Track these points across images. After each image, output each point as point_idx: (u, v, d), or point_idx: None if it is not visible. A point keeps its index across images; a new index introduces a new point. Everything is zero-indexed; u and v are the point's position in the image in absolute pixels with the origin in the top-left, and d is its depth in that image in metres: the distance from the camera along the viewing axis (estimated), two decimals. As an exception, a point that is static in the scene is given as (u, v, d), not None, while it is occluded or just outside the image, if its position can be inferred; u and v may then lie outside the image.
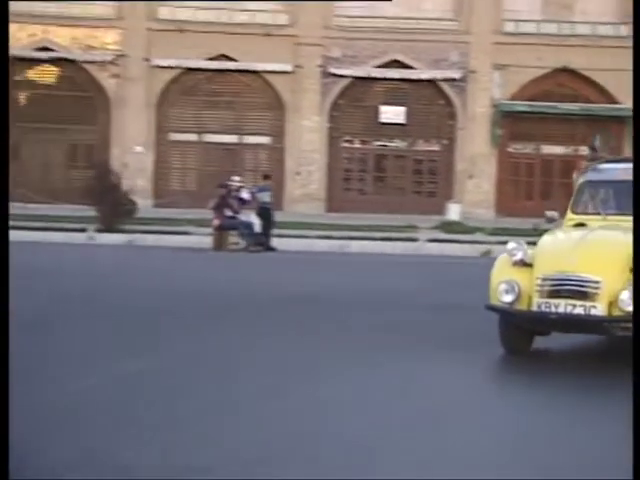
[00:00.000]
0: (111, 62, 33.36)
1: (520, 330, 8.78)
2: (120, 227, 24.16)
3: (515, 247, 8.67)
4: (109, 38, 33.50)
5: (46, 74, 34.03)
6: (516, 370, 8.44)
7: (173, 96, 34.17)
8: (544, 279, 8.26)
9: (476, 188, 34.32)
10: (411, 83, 34.52)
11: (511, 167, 35.08)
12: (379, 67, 34.39)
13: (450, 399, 7.09)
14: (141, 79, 33.53)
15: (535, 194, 34.60)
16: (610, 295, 8.10)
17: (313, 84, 33.97)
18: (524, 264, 8.54)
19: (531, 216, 24.37)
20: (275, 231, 21.68)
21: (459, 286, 14.29)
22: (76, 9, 33.09)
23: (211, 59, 33.92)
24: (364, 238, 22.91)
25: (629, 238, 8.29)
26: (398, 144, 35.23)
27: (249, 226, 20.81)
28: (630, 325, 7.96)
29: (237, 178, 22.56)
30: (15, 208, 26.98)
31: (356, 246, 21.91)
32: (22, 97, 34.07)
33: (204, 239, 22.00)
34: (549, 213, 9.90)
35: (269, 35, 33.61)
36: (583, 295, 8.15)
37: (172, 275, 15.95)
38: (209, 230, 22.12)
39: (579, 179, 9.98)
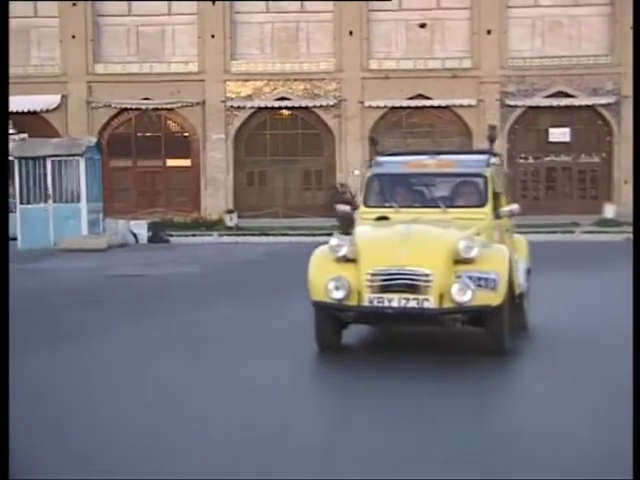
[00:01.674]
0: (333, 106, 42.74)
1: (335, 326, 8.85)
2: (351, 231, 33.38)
3: (339, 243, 8.64)
4: (331, 87, 42.91)
5: (284, 118, 43.69)
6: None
7: (381, 129, 43.09)
8: (374, 274, 8.30)
9: (631, 191, 41.83)
10: (574, 109, 42.45)
11: (661, 173, 42.42)
12: (547, 97, 42.44)
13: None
14: (356, 117, 42.70)
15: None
16: (441, 288, 8.23)
17: (493, 114, 42.34)
18: (346, 260, 8.54)
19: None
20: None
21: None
22: (306, 66, 42.73)
23: (410, 98, 42.76)
24: (534, 232, 31.24)
25: (449, 232, 8.82)
26: (564, 158, 43.23)
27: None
28: (459, 316, 8.37)
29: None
30: (274, 222, 36.73)
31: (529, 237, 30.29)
32: (267, 136, 43.91)
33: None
34: (340, 207, 10.91)
35: (456, 77, 42.22)
36: (415, 289, 8.24)
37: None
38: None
39: (367, 173, 10.19)
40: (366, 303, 8.29)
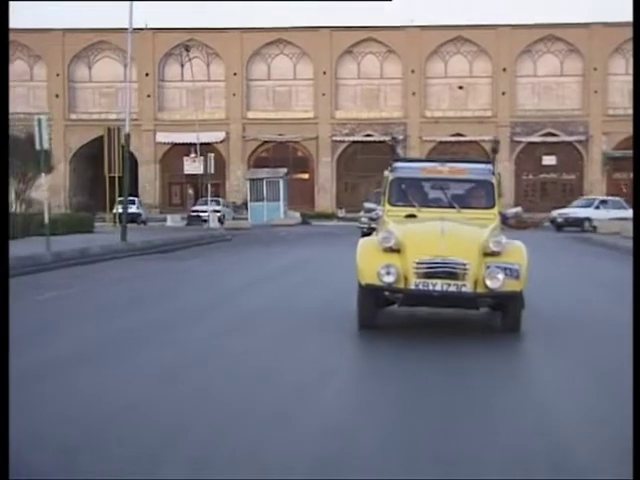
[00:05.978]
0: (402, 140, 65.48)
1: (376, 308, 10.15)
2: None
3: (387, 236, 9.90)
4: (400, 128, 65.73)
5: (367, 148, 66.49)
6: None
7: (433, 156, 65.68)
8: (420, 263, 9.57)
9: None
10: (558, 143, 65.12)
11: (615, 186, 65.03)
12: (541, 135, 65.17)
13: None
14: (416, 148, 65.34)
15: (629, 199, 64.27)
16: (475, 276, 9.55)
17: (505, 146, 64.83)
18: (392, 250, 9.77)
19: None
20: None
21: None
22: (384, 114, 65.60)
23: (452, 135, 65.47)
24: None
25: (476, 229, 10.26)
26: (552, 176, 66.05)
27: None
28: (489, 300, 9.83)
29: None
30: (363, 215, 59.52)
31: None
32: (358, 160, 66.77)
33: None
34: (367, 204, 12.02)
35: (482, 122, 64.96)
36: (455, 276, 9.55)
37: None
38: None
39: (390, 176, 11.38)
40: (412, 287, 9.57)
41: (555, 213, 46.10)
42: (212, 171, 46.48)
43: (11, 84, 65.01)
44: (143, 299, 14.07)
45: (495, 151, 12.73)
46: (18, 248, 21.07)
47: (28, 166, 30.56)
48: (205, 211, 51.15)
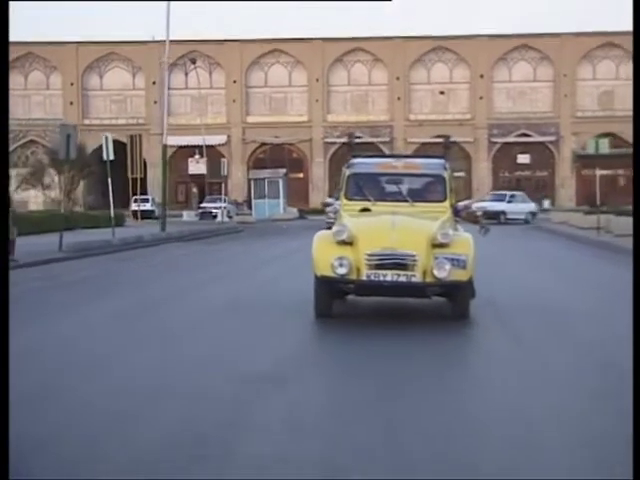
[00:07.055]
0: (388, 142, 71.35)
1: (331, 298, 10.68)
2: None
3: (341, 229, 10.40)
4: (387, 131, 71.65)
5: (357, 149, 72.13)
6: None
7: (417, 155, 71.65)
8: (371, 255, 10.10)
9: (565, 193, 70.59)
10: (532, 143, 71.13)
11: (583, 182, 71.00)
12: (516, 136, 71.15)
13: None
14: (401, 149, 70.64)
15: (595, 194, 70.27)
16: (424, 266, 10.08)
17: (483, 147, 71.00)
18: (345, 243, 10.26)
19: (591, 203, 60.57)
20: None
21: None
22: (371, 117, 71.48)
23: (434, 137, 70.96)
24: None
25: (426, 222, 10.74)
26: (527, 173, 72.06)
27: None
28: (437, 289, 10.36)
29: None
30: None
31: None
32: (345, 159, 72.49)
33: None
34: (327, 199, 13.21)
35: (462, 124, 70.90)
36: (404, 267, 10.05)
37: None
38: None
39: (346, 172, 11.81)
40: (364, 278, 10.12)
41: (473, 207, 49.86)
42: (225, 173, 52.03)
43: (29, 93, 71.90)
44: (207, 263, 21.52)
45: (447, 147, 13.36)
46: (86, 236, 26.96)
47: (75, 170, 36.29)
48: (217, 208, 56.44)
